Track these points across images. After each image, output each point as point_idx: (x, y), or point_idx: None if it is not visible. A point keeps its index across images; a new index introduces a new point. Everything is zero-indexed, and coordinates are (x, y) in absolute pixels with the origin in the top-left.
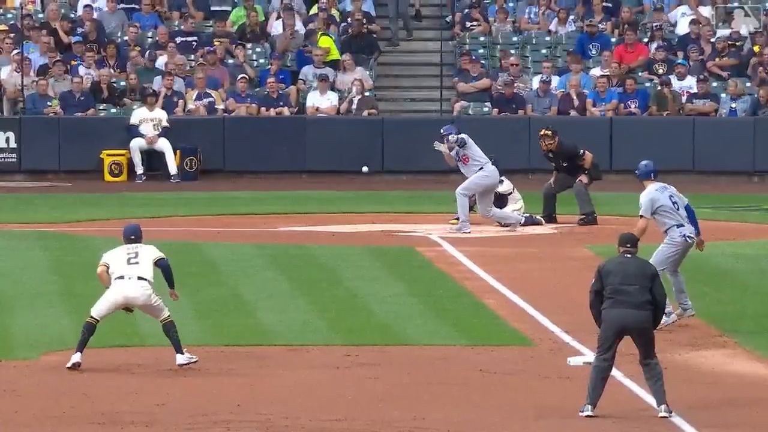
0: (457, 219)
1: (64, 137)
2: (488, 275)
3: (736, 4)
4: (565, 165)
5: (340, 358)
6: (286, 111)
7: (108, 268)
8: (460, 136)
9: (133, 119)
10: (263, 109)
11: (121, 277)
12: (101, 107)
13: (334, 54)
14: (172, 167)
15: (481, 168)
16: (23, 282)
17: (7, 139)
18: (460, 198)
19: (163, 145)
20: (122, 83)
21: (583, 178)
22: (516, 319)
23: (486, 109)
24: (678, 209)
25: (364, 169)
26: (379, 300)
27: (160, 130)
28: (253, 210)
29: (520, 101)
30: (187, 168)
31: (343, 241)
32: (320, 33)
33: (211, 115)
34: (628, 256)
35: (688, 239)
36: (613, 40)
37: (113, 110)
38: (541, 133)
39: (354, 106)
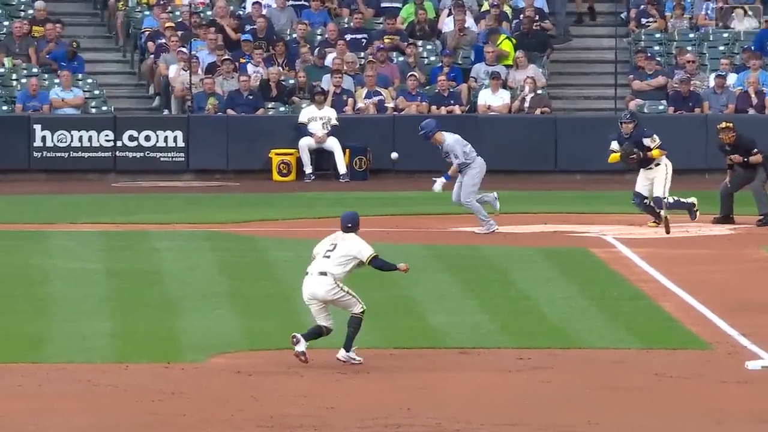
0: (656, 222)
1: (232, 136)
2: (663, 277)
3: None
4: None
5: (513, 361)
6: (457, 109)
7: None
8: (448, 142)
9: (302, 118)
10: (434, 107)
11: (306, 273)
12: (270, 106)
13: (511, 60)
14: (342, 166)
15: (470, 163)
16: (191, 283)
17: (175, 139)
18: (471, 206)
19: (333, 144)
20: (291, 81)
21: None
22: (692, 321)
23: (662, 107)
24: None
25: (394, 155)
26: (551, 302)
27: (329, 128)
28: (423, 210)
29: (697, 99)
30: (357, 167)
31: (516, 242)
32: (503, 36)
33: (381, 113)
34: None
35: None
36: None
37: (282, 109)
38: (722, 126)
39: (526, 105)
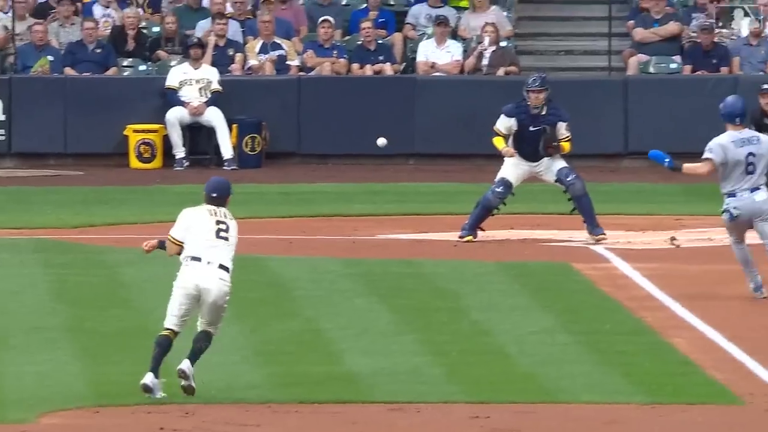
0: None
1: (72, 107)
2: (676, 303)
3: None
4: None
5: (465, 421)
6: (387, 68)
7: (181, 246)
8: None
9: (171, 80)
10: (355, 65)
11: (198, 259)
12: (125, 64)
13: None
14: (227, 149)
15: None
16: (14, 313)
17: None
18: None
19: (213, 117)
20: (155, 29)
21: None
22: (716, 366)
23: (674, 65)
24: (753, 173)
25: (381, 141)
26: (519, 338)
27: (209, 95)
28: (339, 210)
29: (723, 54)
30: (248, 150)
31: (470, 255)
32: None
33: (282, 74)
34: None
35: (731, 213)
36: None
37: (142, 67)
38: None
39: (485, 62)
